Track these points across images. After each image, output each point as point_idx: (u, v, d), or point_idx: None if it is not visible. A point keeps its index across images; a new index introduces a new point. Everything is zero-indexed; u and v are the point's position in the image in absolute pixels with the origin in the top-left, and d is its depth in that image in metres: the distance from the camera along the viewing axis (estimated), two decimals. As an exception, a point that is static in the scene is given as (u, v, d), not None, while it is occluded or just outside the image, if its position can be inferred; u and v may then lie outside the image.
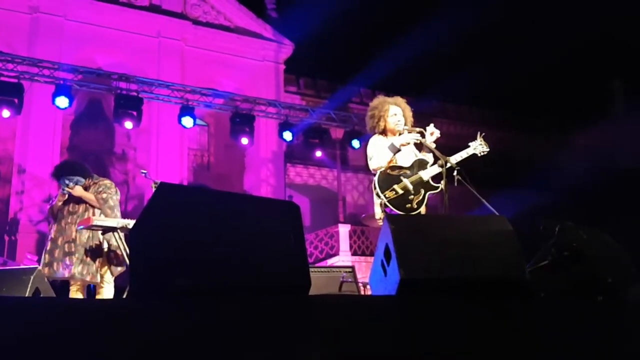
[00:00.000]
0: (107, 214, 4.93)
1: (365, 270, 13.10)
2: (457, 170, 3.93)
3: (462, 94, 20.55)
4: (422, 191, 4.05)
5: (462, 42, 25.94)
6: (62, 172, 5.10)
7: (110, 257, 4.98)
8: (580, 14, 22.33)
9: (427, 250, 2.61)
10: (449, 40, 24.17)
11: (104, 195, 5.00)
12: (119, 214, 5.06)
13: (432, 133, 4.20)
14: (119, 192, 5.21)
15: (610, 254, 3.88)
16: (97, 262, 4.91)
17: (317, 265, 13.36)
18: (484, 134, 4.28)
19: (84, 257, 4.88)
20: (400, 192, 4.00)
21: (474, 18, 25.00)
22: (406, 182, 4.03)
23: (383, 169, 4.10)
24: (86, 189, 5.05)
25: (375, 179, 4.08)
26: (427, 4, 26.22)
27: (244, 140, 12.13)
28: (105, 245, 4.94)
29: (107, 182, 5.18)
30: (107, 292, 4.92)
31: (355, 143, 12.67)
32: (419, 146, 4.29)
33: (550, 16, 26.02)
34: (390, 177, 4.06)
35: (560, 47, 23.71)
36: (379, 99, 4.41)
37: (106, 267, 4.96)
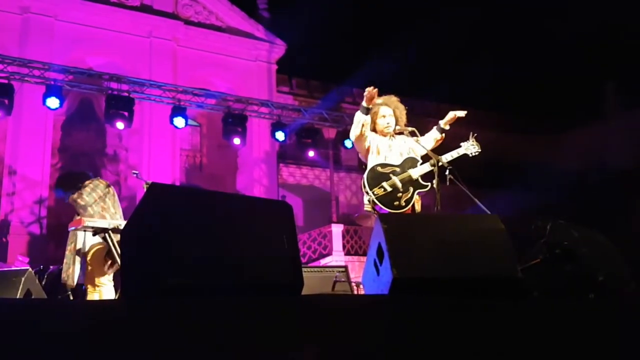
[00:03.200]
0: (90, 215, 4.86)
1: (358, 269, 13.09)
2: (449, 169, 3.94)
3: (455, 95, 20.62)
4: (411, 189, 4.05)
5: (455, 43, 26.06)
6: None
7: (104, 258, 4.95)
8: (572, 15, 22.47)
9: (420, 249, 2.62)
10: (442, 41, 24.26)
11: (77, 207, 4.84)
12: (109, 213, 4.91)
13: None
14: (99, 186, 4.95)
15: (601, 252, 3.90)
16: (90, 263, 4.88)
17: (310, 265, 13.35)
18: (475, 134, 4.28)
19: (78, 258, 4.86)
20: (389, 189, 4.00)
21: (467, 20, 25.09)
22: (395, 179, 4.03)
23: (373, 166, 4.11)
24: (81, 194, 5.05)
25: (365, 175, 4.09)
26: (421, 5, 26.31)
27: (237, 141, 12.12)
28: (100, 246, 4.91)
29: (88, 188, 4.94)
30: (107, 292, 4.87)
31: (348, 143, 12.67)
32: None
33: (545, 17, 26.17)
34: (379, 174, 4.07)
35: (551, 49, 23.85)
36: None
37: (105, 268, 4.90)
